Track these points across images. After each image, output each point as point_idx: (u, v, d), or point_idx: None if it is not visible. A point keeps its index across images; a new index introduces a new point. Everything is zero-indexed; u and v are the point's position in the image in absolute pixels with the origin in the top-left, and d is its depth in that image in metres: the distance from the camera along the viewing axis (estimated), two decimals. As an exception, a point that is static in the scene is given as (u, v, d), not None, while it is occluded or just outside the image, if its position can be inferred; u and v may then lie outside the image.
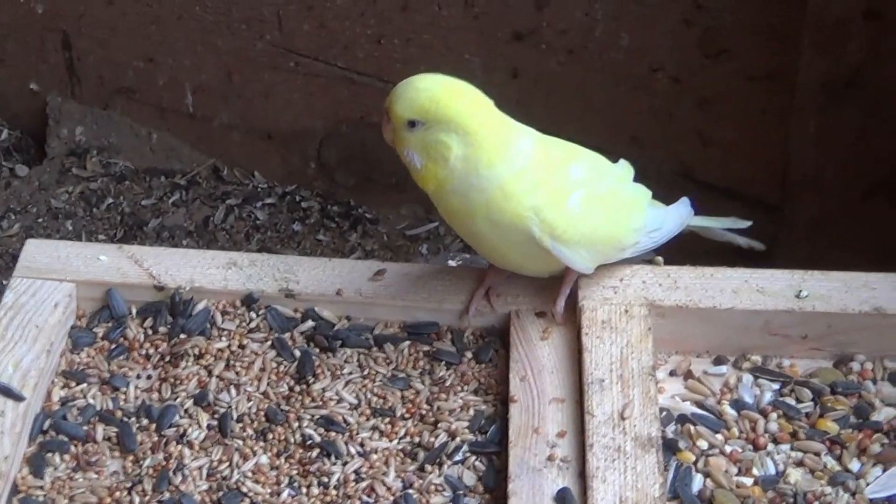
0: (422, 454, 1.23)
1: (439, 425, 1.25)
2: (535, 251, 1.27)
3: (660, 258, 1.35)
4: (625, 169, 1.36)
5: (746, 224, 1.45)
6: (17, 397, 1.24)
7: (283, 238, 2.33)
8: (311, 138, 2.29)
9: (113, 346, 1.32)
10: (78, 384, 1.29)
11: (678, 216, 1.39)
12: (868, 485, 1.20)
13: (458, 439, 1.23)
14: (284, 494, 1.20)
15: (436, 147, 1.23)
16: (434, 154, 1.24)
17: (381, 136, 1.29)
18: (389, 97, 1.25)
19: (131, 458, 1.23)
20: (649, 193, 1.37)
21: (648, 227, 1.33)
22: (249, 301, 1.34)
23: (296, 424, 1.25)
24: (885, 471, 1.21)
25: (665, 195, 1.74)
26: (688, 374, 1.30)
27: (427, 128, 1.23)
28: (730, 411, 1.26)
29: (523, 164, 1.25)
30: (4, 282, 1.61)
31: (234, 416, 1.26)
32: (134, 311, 1.34)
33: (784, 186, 1.94)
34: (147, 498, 1.20)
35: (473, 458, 1.23)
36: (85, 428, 1.25)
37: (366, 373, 1.29)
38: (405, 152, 1.25)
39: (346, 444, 1.23)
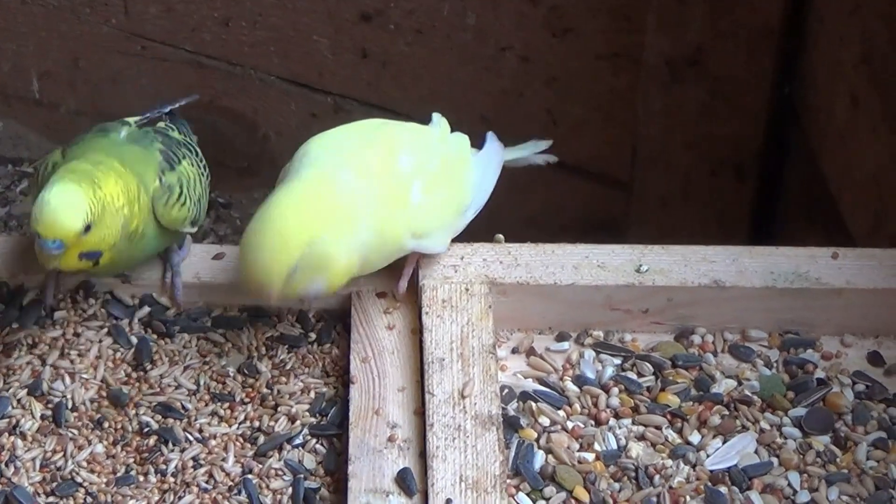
0: (262, 438, 1.21)
1: (279, 409, 1.23)
2: (393, 255, 1.27)
3: (500, 236, 1.35)
4: (440, 126, 1.37)
5: (548, 143, 1.48)
6: None
7: (134, 225, 2.29)
8: (160, 123, 2.26)
9: (-58, 337, 1.29)
10: None
11: (496, 156, 1.40)
12: (708, 457, 1.21)
13: (298, 423, 1.22)
14: (121, 483, 1.18)
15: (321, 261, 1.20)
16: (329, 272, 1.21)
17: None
18: (258, 282, 1.19)
19: (-38, 451, 1.20)
20: (468, 142, 1.37)
21: (476, 181, 1.34)
22: (86, 288, 1.31)
23: (133, 412, 1.23)
24: (724, 442, 1.22)
25: (516, 175, 1.75)
26: (530, 352, 1.30)
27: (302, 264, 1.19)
28: (572, 387, 1.26)
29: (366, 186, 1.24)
30: None
31: (69, 406, 1.23)
32: (-36, 301, 1.31)
33: (633, 164, 1.95)
34: (-23, 491, 1.17)
35: (314, 441, 1.21)
36: (-88, 422, 1.22)
37: (206, 358, 1.28)
38: (309, 290, 1.21)
39: (184, 430, 1.22)
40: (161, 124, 1.36)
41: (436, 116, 1.37)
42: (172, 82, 2.21)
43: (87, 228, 1.20)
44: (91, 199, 1.20)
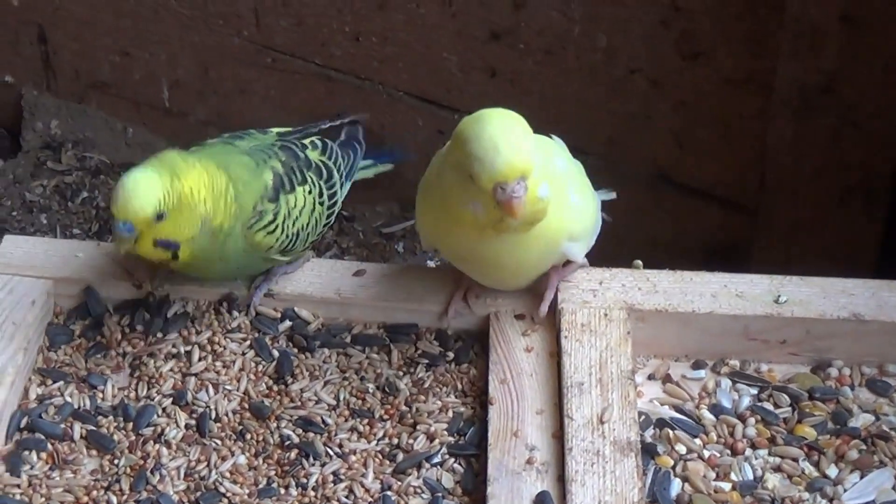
0: (400, 456, 1.23)
1: (418, 427, 1.25)
2: (541, 262, 1.28)
3: (639, 262, 1.35)
4: (556, 140, 1.36)
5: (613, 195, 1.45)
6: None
7: (258, 235, 2.31)
8: (287, 135, 2.28)
9: (90, 343, 1.32)
10: (55, 382, 1.28)
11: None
12: (846, 491, 1.21)
13: (436, 441, 1.23)
14: (263, 495, 1.19)
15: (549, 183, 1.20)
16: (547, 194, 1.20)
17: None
18: (502, 170, 1.16)
19: (108, 457, 1.23)
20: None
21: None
22: (229, 300, 1.33)
23: (274, 425, 1.25)
24: (862, 477, 1.22)
25: (641, 197, 1.75)
26: (666, 378, 1.30)
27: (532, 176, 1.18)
28: (708, 416, 1.27)
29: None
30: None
31: (213, 416, 1.25)
32: (111, 308, 1.34)
33: (761, 190, 1.95)
34: (124, 497, 1.19)
35: (452, 460, 1.23)
36: (62, 426, 1.24)
37: (345, 374, 1.29)
38: (541, 190, 1.19)
39: (324, 445, 1.23)
40: (310, 139, 1.37)
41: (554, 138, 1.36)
42: (301, 95, 2.24)
43: (160, 216, 1.22)
44: (167, 187, 1.22)
